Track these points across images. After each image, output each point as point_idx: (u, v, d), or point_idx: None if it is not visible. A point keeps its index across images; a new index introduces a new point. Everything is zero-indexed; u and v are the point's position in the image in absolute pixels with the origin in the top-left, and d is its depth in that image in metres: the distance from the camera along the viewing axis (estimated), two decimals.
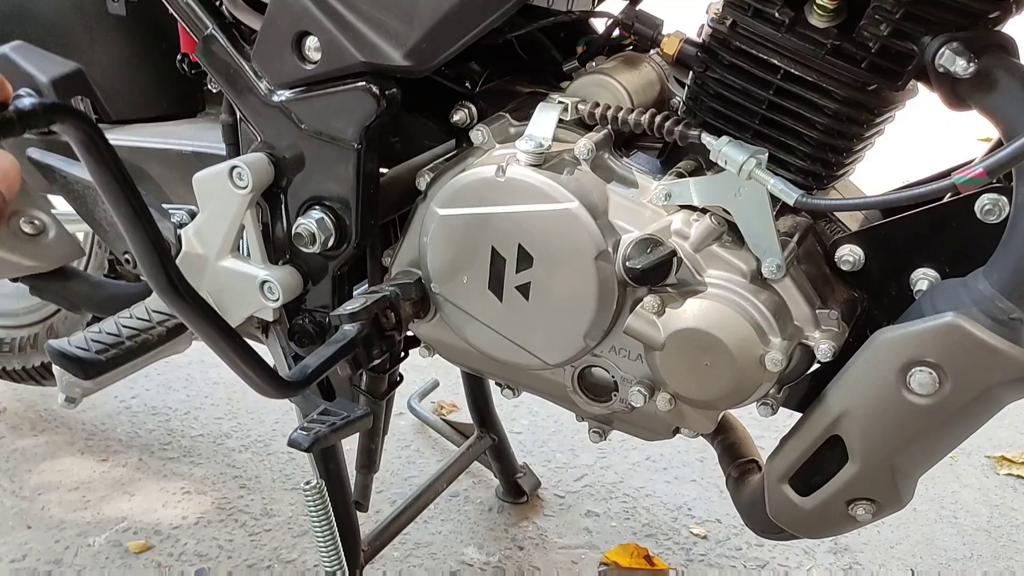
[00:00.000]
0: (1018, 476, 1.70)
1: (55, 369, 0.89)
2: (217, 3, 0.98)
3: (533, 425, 1.77)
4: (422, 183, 0.96)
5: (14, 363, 1.58)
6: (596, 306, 0.86)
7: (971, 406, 0.75)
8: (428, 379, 1.80)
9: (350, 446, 1.20)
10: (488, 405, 1.49)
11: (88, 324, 1.28)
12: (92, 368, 0.87)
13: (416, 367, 1.73)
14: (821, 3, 0.79)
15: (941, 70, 0.75)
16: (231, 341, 0.82)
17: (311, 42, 0.90)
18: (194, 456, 1.68)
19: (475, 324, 0.93)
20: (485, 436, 1.49)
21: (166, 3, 0.98)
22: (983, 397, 0.74)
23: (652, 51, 0.99)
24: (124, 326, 0.93)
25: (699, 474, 1.66)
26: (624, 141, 0.94)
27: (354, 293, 1.06)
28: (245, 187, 0.94)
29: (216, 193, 0.96)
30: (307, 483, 1.08)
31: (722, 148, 0.80)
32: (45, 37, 1.19)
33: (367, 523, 1.30)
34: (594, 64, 1.02)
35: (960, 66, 0.73)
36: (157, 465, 1.65)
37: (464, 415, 1.57)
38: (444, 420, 1.66)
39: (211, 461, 1.67)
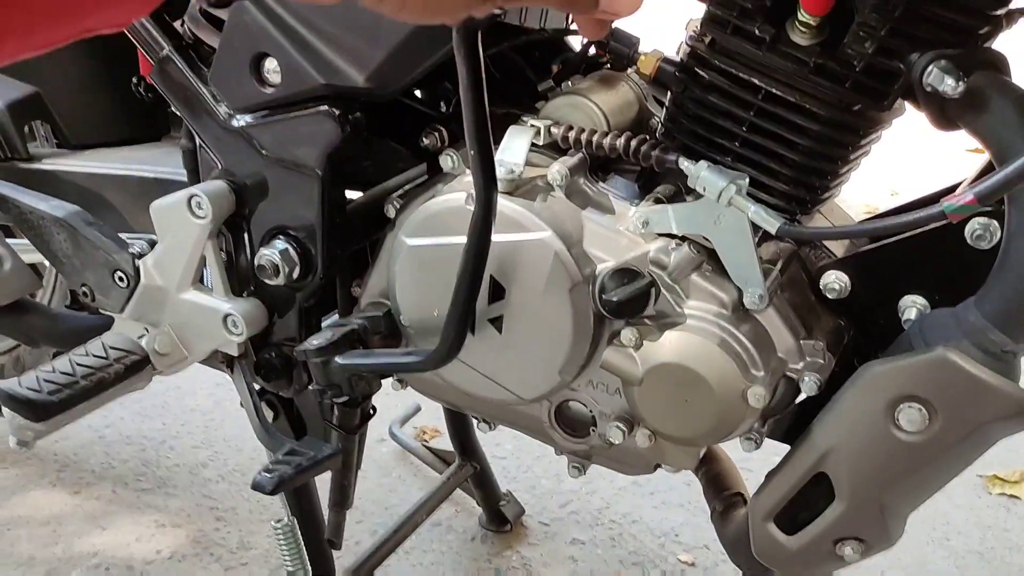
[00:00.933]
0: (1011, 496, 1.66)
1: (4, 411, 0.85)
2: (177, 23, 0.95)
3: (517, 450, 1.73)
4: (391, 211, 0.92)
5: None
6: (572, 340, 0.82)
7: (962, 443, 0.71)
8: (410, 404, 1.76)
9: (324, 481, 1.16)
10: (469, 433, 1.45)
11: (54, 356, 1.24)
12: (43, 410, 0.83)
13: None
14: (803, 19, 0.75)
15: (929, 89, 0.72)
16: None
17: (270, 64, 0.86)
18: (169, 487, 1.63)
19: None
20: (467, 464, 1.45)
21: None
22: (975, 434, 0.70)
23: (629, 70, 0.95)
24: (79, 364, 0.88)
25: (686, 499, 1.62)
26: (600, 164, 0.90)
27: (322, 325, 1.02)
28: (204, 217, 0.90)
29: (175, 223, 0.92)
30: (277, 521, 1.04)
31: (701, 174, 0.76)
32: None
33: (347, 555, 1.26)
34: (570, 84, 0.98)
35: (949, 85, 0.70)
36: (131, 497, 1.60)
37: (447, 440, 1.53)
38: (426, 447, 1.61)
39: (187, 492, 1.62)
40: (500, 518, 1.52)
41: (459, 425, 1.44)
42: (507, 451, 1.72)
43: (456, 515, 1.57)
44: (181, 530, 1.52)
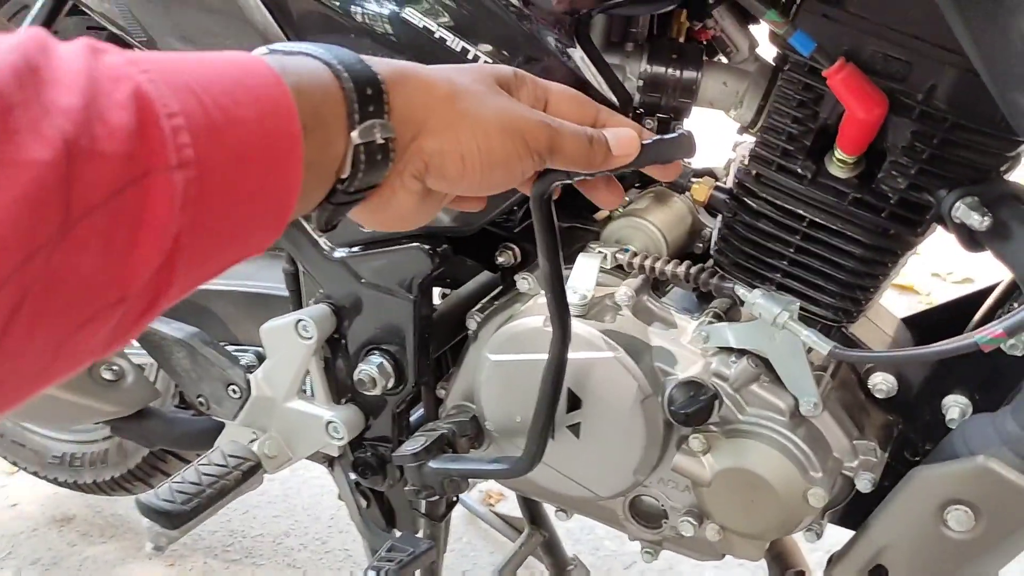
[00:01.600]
0: None
1: (144, 521, 0.96)
2: None
3: None
4: (472, 324, 1.03)
5: (86, 477, 1.66)
6: (644, 445, 0.91)
7: (1008, 540, 0.79)
8: None
9: None
10: (538, 503, 1.54)
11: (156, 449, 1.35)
12: (179, 519, 0.94)
13: None
14: (840, 156, 0.85)
15: (957, 221, 0.80)
16: None
17: None
18: (255, 556, 1.74)
19: None
20: (536, 533, 1.53)
21: None
22: (1019, 531, 0.78)
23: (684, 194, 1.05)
24: (204, 473, 0.99)
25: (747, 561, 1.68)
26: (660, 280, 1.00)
27: (411, 420, 1.13)
28: (310, 338, 1.01)
29: (283, 343, 1.03)
30: None
31: (756, 300, 0.86)
32: None
33: None
34: (626, 200, 1.08)
35: (975, 219, 0.79)
36: (221, 568, 1.71)
37: (511, 502, 1.61)
38: (494, 512, 1.70)
39: (272, 562, 1.73)
40: None
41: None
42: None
43: None
44: None
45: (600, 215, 1.09)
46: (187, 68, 0.41)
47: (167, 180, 0.37)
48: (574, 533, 1.76)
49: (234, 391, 1.08)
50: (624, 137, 0.62)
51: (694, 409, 0.86)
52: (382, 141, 0.50)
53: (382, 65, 0.51)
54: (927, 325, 1.00)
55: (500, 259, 1.04)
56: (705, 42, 0.99)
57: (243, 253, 0.45)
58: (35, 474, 1.73)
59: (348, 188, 0.50)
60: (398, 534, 1.12)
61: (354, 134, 0.48)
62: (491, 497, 1.88)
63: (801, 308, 0.88)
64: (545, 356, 0.93)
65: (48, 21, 1.07)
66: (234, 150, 0.41)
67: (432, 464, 0.97)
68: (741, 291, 0.87)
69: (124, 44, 1.13)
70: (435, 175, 0.54)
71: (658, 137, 0.66)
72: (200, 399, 1.10)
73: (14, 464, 1.78)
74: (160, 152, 0.37)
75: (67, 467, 1.68)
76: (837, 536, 0.96)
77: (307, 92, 0.46)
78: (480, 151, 0.55)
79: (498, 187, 0.58)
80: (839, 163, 0.85)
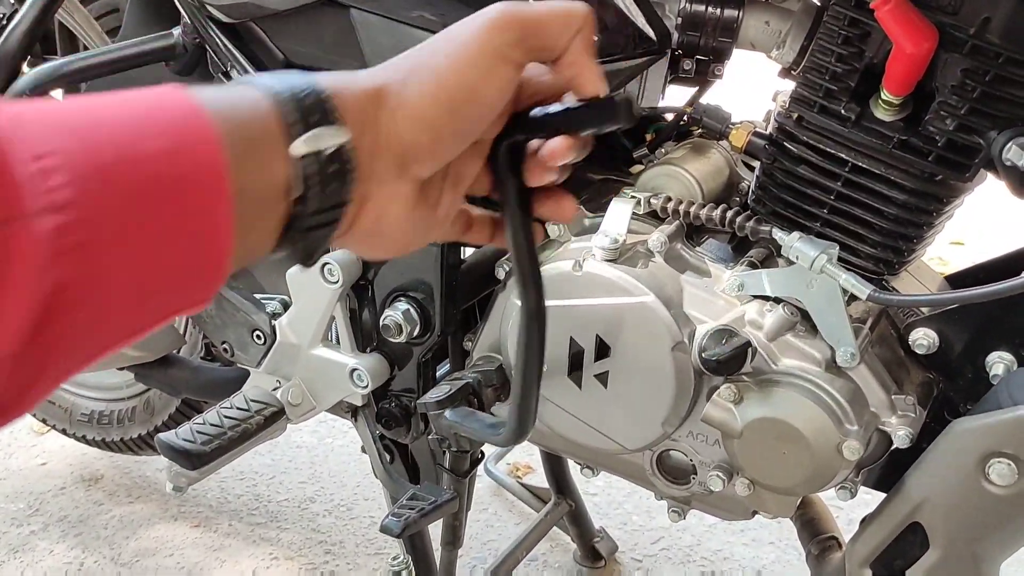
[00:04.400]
0: None
1: (165, 461, 0.95)
2: None
3: (608, 487, 1.79)
4: (500, 273, 1.01)
5: (113, 435, 1.67)
6: (673, 395, 0.89)
7: None
8: None
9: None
10: (564, 471, 1.52)
11: (182, 400, 1.36)
12: (199, 459, 0.94)
13: None
14: (886, 98, 0.82)
15: (1008, 164, 0.77)
16: None
17: None
18: (280, 521, 1.74)
19: (555, 409, 0.97)
20: (562, 502, 1.52)
21: None
22: None
23: (721, 142, 1.02)
24: (226, 416, 0.99)
25: (776, 536, 1.65)
26: (696, 228, 0.97)
27: (437, 374, 1.11)
28: (336, 282, 1.00)
29: (308, 288, 1.02)
30: (394, 559, 1.13)
31: (794, 244, 0.83)
32: None
33: None
34: (663, 151, 1.05)
35: None
36: (246, 531, 1.71)
37: (539, 475, 1.60)
38: (521, 483, 1.69)
39: (297, 526, 1.72)
40: (594, 554, 1.58)
41: (555, 464, 1.51)
42: (599, 487, 1.79)
43: (551, 551, 1.63)
44: (293, 562, 1.63)
45: (635, 168, 1.06)
46: (75, 107, 0.37)
47: (28, 227, 0.33)
48: (602, 508, 1.73)
49: (258, 337, 1.07)
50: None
51: (726, 357, 0.84)
52: (334, 148, 0.44)
53: (329, 76, 0.46)
54: (971, 282, 0.96)
55: None
56: None
57: (176, 303, 0.40)
58: (63, 432, 1.75)
59: (308, 210, 0.43)
60: (420, 487, 1.10)
61: (295, 146, 0.42)
62: (518, 469, 1.86)
63: (841, 259, 0.85)
64: (576, 302, 0.91)
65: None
66: (133, 188, 0.36)
67: (447, 415, 0.95)
68: (779, 234, 0.84)
69: None
70: (412, 151, 0.48)
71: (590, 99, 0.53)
72: (225, 345, 1.10)
73: (43, 422, 1.79)
74: (16, 197, 0.33)
75: (95, 424, 1.69)
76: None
77: (232, 116, 0.41)
78: (441, 82, 0.47)
79: (483, 117, 0.49)
80: (884, 105, 0.82)
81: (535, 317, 0.56)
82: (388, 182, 0.48)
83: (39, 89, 1.15)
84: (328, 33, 1.03)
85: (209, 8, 1.05)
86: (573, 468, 1.53)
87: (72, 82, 1.16)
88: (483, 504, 1.77)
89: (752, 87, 1.33)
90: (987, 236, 2.55)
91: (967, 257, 2.34)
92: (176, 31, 1.14)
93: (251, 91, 0.43)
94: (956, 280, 0.96)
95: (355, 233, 0.49)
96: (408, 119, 0.47)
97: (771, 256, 0.92)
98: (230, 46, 1.07)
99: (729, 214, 0.89)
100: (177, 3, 1.10)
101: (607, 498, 1.76)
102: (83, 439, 1.73)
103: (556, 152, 0.52)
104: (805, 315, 0.87)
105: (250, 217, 0.41)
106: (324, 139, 0.43)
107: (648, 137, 1.09)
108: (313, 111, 0.43)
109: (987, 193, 0.91)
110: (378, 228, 0.49)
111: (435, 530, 1.25)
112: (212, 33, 1.07)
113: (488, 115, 0.50)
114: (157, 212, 0.37)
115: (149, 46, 1.14)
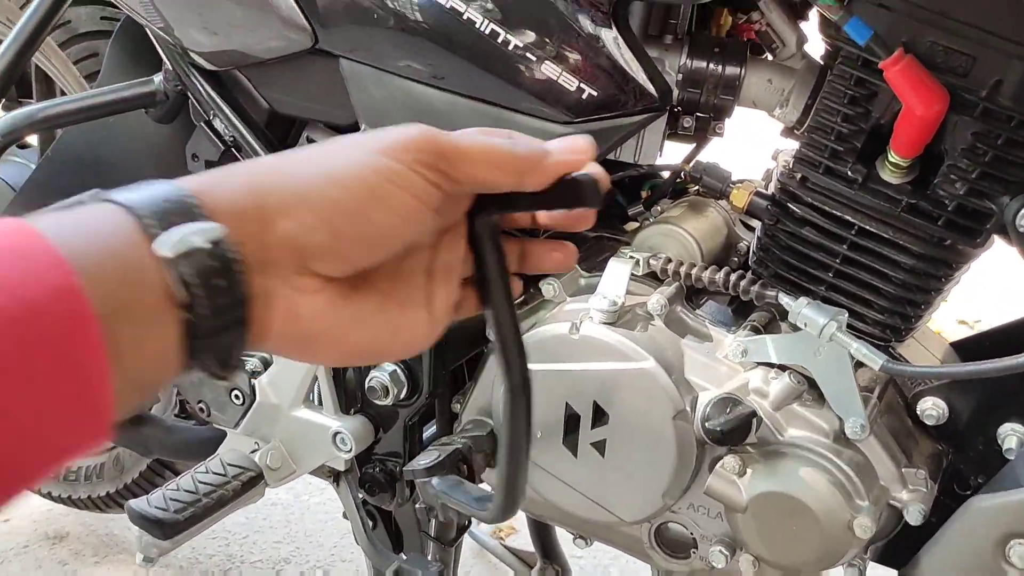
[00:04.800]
0: None
1: (135, 530, 0.90)
2: None
3: (594, 548, 1.73)
4: (491, 333, 0.96)
5: (81, 492, 1.60)
6: (674, 465, 0.85)
7: None
8: None
9: None
10: (551, 535, 1.46)
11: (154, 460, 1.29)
12: (172, 529, 0.88)
13: None
14: (894, 160, 0.79)
15: (1022, 230, 0.74)
16: None
17: None
18: None
19: (549, 478, 0.92)
20: (548, 567, 1.46)
21: None
22: None
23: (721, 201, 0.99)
24: (201, 482, 0.93)
25: None
26: (694, 290, 0.94)
27: (423, 436, 1.06)
28: None
29: None
30: None
31: (801, 310, 0.80)
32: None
33: None
34: (659, 208, 1.03)
35: None
36: None
37: (523, 536, 1.54)
38: (504, 546, 1.63)
39: None
40: None
41: (541, 527, 1.45)
42: (584, 550, 1.73)
43: None
44: None
45: (630, 225, 1.03)
46: None
47: None
48: (587, 571, 1.68)
49: (237, 396, 1.02)
50: (578, 138, 0.50)
51: (731, 426, 0.80)
52: (207, 245, 0.40)
53: (194, 177, 0.43)
54: (978, 350, 0.94)
55: None
56: (749, 40, 0.94)
57: (61, 444, 0.36)
58: (30, 488, 1.67)
59: (201, 312, 0.40)
60: (404, 558, 1.05)
61: (157, 248, 0.39)
62: (501, 531, 1.80)
63: (848, 325, 0.82)
64: (572, 366, 0.88)
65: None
66: None
67: (434, 483, 0.90)
68: (785, 300, 0.81)
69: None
70: (309, 248, 0.44)
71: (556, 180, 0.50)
72: (201, 405, 1.04)
73: None
74: None
75: (62, 481, 1.62)
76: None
77: (78, 230, 0.38)
78: (337, 182, 0.44)
79: (396, 227, 0.46)
80: (892, 167, 0.80)
81: (521, 393, 0.53)
82: (290, 276, 0.44)
83: (13, 135, 1.11)
84: (315, 83, 1.00)
85: (192, 55, 1.02)
86: (560, 532, 1.48)
87: (47, 128, 1.12)
88: (465, 567, 1.70)
89: (747, 144, 1.31)
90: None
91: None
92: (157, 78, 1.11)
93: (102, 206, 0.40)
94: (962, 348, 0.94)
95: (277, 336, 0.44)
96: (299, 217, 0.44)
97: (774, 320, 0.89)
98: (213, 94, 1.04)
99: (733, 277, 0.85)
100: (159, 49, 1.07)
101: (591, 561, 1.70)
102: (48, 496, 1.66)
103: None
104: (811, 383, 0.83)
105: (131, 334, 0.38)
106: (193, 237, 0.40)
107: (644, 194, 1.06)
108: (172, 212, 0.40)
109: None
110: (299, 329, 0.45)
111: None
112: (195, 80, 1.04)
113: (403, 226, 0.46)
114: (10, 346, 0.34)
115: (129, 92, 1.10)
